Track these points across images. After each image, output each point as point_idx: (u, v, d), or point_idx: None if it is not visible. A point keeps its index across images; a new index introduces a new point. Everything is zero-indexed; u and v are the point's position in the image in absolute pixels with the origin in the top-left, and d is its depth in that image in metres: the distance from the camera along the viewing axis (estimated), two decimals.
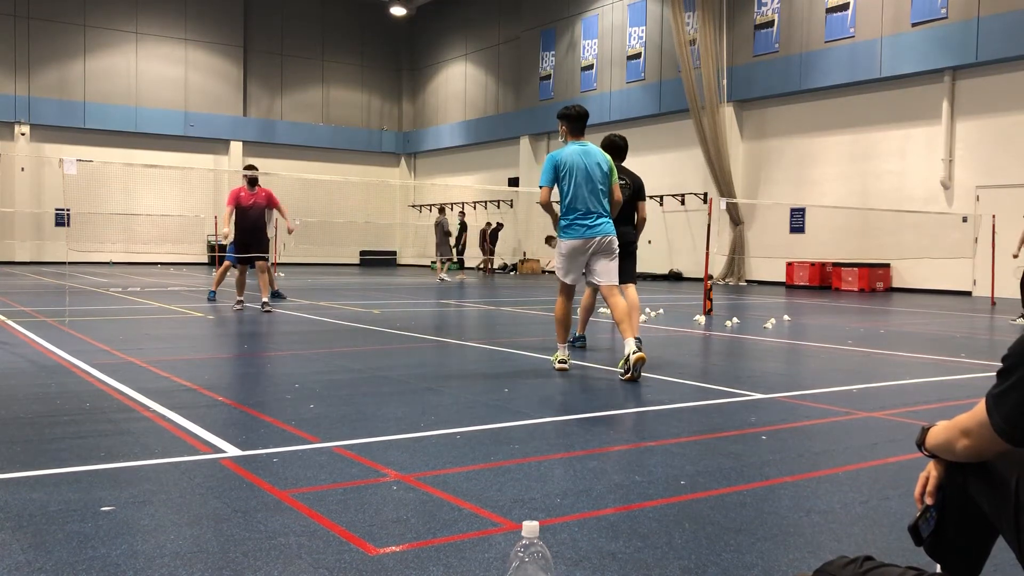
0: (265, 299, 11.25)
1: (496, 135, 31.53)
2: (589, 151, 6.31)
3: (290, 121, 34.55)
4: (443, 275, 22.09)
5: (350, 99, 36.15)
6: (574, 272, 6.31)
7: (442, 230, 22.94)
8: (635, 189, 7.25)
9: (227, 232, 11.19)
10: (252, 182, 11.26)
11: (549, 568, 1.80)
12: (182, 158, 31.46)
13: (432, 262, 27.25)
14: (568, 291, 6.40)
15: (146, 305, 12.03)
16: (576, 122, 6.39)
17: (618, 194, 6.47)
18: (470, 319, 11.52)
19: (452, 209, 32.33)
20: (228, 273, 13.44)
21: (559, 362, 6.24)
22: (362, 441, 3.98)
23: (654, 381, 5.99)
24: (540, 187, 6.27)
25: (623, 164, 7.38)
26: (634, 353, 5.74)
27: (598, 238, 6.20)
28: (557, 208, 6.35)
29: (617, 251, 6.35)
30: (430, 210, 34.82)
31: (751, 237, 22.44)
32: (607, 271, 6.26)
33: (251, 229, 11.27)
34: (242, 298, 11.45)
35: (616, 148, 7.21)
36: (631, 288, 7.15)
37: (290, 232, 12.03)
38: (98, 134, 30.53)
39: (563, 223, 6.27)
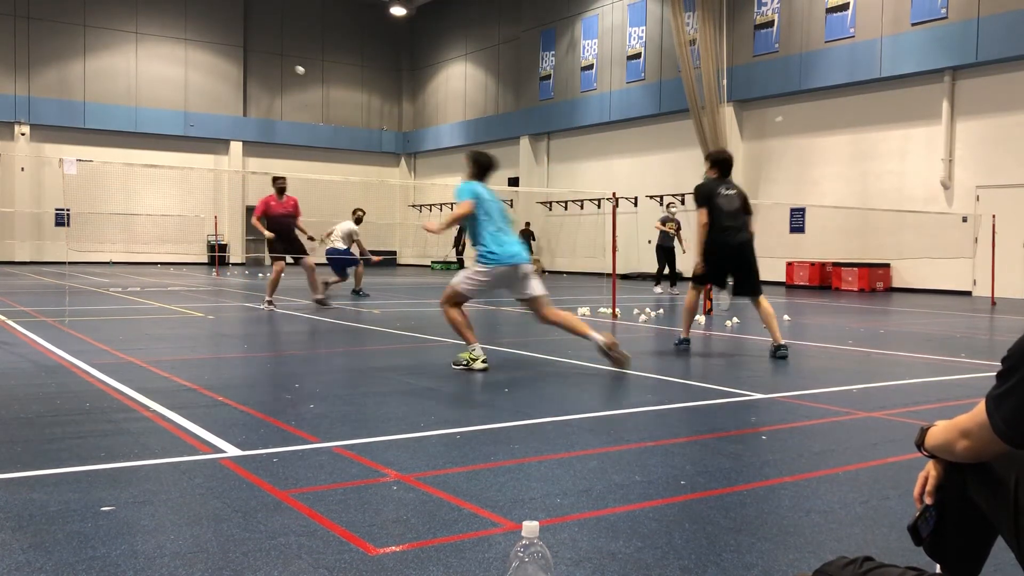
0: (318, 296, 11.75)
1: (496, 135, 31.52)
2: (491, 191, 6.65)
3: (290, 121, 34.54)
4: None
5: (350, 99, 36.14)
6: (486, 295, 6.71)
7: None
8: (743, 200, 7.64)
9: (269, 235, 11.62)
10: (281, 191, 11.71)
11: (549, 568, 1.80)
12: (182, 158, 31.44)
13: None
14: (463, 301, 6.54)
15: (146, 305, 12.03)
16: (485, 170, 6.70)
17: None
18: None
19: (452, 209, 32.26)
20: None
21: (482, 361, 6.26)
22: (362, 441, 3.98)
23: (654, 381, 5.99)
24: (462, 200, 6.41)
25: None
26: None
27: (523, 265, 6.43)
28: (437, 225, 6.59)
29: (533, 270, 6.59)
30: (430, 210, 34.84)
31: None
32: (536, 285, 6.49)
33: (283, 236, 11.66)
34: (271, 299, 11.62)
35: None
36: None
37: (310, 239, 12.34)
38: (98, 134, 30.51)
39: (490, 249, 6.40)
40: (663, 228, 17.19)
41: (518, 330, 9.94)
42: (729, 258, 7.48)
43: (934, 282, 18.62)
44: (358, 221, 14.70)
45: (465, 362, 6.30)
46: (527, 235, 28.41)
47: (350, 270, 14.65)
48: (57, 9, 29.91)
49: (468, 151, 6.86)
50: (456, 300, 6.51)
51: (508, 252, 6.36)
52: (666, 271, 17.51)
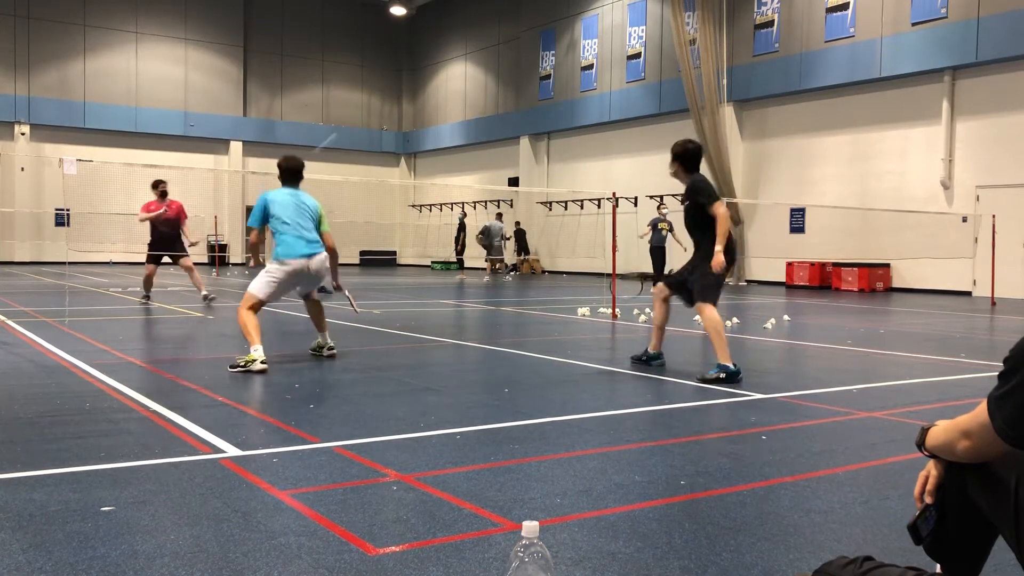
0: (204, 292, 12.23)
1: (496, 135, 31.52)
2: (299, 194, 6.97)
3: (290, 121, 34.53)
4: (505, 276, 23.85)
5: (350, 99, 36.13)
6: (281, 293, 6.83)
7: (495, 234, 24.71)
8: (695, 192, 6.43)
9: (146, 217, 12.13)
10: (163, 195, 12.29)
11: (549, 568, 1.80)
12: (182, 158, 31.42)
13: (453, 263, 27.93)
14: (260, 305, 6.69)
15: (146, 305, 12.02)
16: (287, 175, 7.03)
17: (330, 241, 6.96)
18: (470, 319, 11.52)
19: (452, 209, 32.38)
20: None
21: (261, 362, 6.25)
22: (362, 441, 3.98)
23: (654, 381, 5.99)
24: (249, 227, 6.86)
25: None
26: None
27: (317, 256, 6.79)
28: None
29: (327, 267, 6.89)
30: (430, 210, 34.84)
31: (751, 237, 22.43)
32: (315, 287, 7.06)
33: (165, 237, 12.28)
34: (148, 294, 12.25)
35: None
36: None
37: (192, 244, 12.71)
38: (98, 134, 30.50)
39: (280, 248, 6.72)
40: (663, 230, 17.34)
41: (517, 330, 9.94)
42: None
43: (934, 282, 18.61)
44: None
45: (243, 364, 6.25)
46: (519, 234, 28.30)
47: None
48: (57, 9, 29.89)
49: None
50: (253, 304, 6.64)
51: (294, 250, 6.70)
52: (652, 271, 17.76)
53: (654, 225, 17.42)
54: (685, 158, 6.40)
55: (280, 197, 6.85)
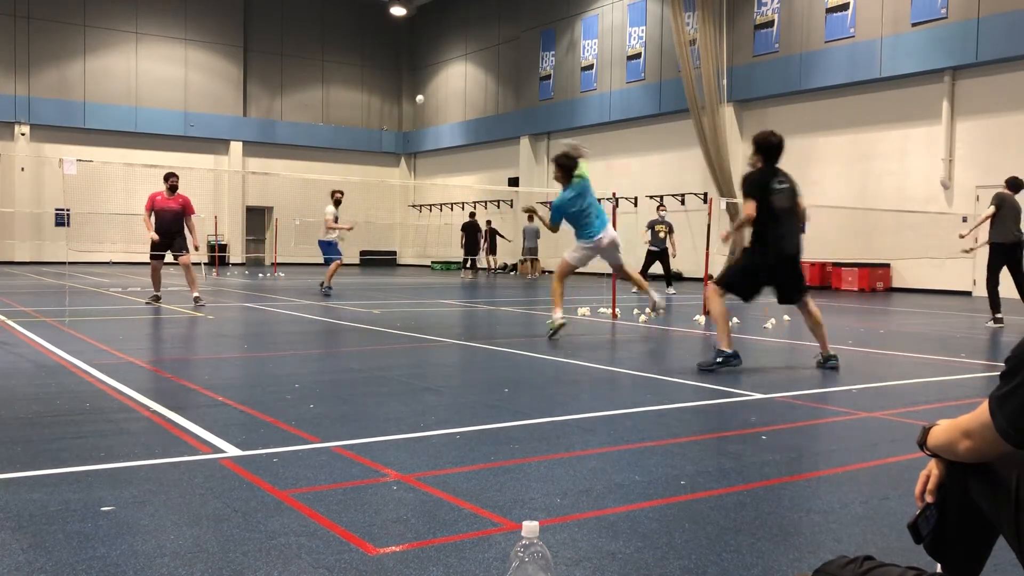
0: (195, 294, 11.87)
1: (496, 135, 31.51)
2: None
3: (290, 121, 34.53)
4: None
5: (350, 99, 36.13)
6: (587, 261, 9.15)
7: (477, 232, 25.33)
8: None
9: (154, 237, 11.81)
10: (172, 189, 12.11)
11: (549, 568, 1.80)
12: (182, 158, 31.40)
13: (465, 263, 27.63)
14: (570, 271, 9.07)
15: (146, 305, 12.02)
16: (566, 172, 9.28)
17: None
18: (470, 319, 11.52)
19: (452, 209, 32.38)
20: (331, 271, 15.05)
21: (560, 318, 8.35)
22: (362, 441, 3.98)
23: (654, 381, 5.99)
24: (557, 210, 9.07)
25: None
26: None
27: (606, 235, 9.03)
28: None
29: (619, 246, 9.15)
30: (430, 210, 34.84)
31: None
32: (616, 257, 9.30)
33: (166, 231, 11.92)
34: (159, 293, 12.05)
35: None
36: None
37: (196, 248, 12.66)
38: (98, 134, 30.50)
39: (587, 231, 9.01)
40: (657, 231, 17.38)
41: (517, 330, 9.95)
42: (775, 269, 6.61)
43: (934, 282, 18.61)
44: (336, 203, 14.79)
45: (550, 327, 8.33)
46: (490, 233, 27.51)
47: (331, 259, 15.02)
48: (57, 9, 29.89)
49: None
50: (564, 271, 8.98)
51: (594, 230, 9.04)
52: (659, 271, 17.68)
53: (651, 227, 17.43)
54: (757, 146, 6.84)
55: (587, 186, 9.22)
